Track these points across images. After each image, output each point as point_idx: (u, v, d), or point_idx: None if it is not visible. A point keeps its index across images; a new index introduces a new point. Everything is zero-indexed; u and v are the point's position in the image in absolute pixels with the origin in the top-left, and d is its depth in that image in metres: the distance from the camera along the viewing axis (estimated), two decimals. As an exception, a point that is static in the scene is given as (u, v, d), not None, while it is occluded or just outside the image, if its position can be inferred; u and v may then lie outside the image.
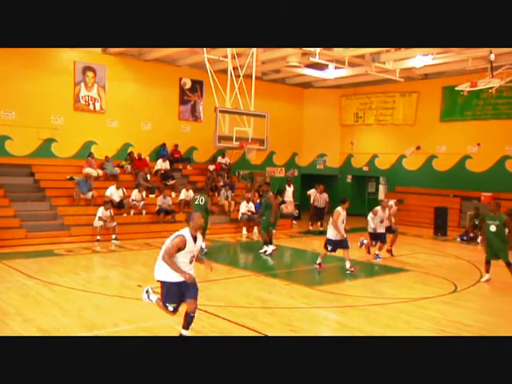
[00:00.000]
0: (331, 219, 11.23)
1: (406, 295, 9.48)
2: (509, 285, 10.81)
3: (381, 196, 22.99)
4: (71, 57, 16.99)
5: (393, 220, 13.13)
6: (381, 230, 12.53)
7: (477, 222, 17.21)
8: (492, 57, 14.47)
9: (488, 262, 10.63)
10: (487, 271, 10.62)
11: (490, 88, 15.48)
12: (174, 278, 5.85)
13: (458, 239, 16.96)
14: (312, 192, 19.44)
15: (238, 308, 8.26)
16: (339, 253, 13.79)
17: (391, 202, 13.63)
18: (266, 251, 13.19)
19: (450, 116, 20.23)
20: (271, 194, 13.54)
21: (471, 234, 17.13)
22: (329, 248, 11.29)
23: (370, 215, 12.65)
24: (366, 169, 23.44)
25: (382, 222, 12.49)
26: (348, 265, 11.11)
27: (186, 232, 5.87)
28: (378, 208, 12.61)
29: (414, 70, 18.88)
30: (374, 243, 12.72)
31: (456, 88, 17.03)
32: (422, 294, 9.52)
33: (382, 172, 22.86)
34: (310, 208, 19.59)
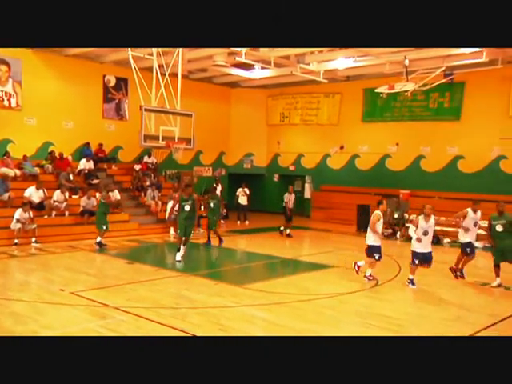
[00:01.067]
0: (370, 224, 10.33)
1: (331, 291, 9.70)
2: (428, 276, 11.32)
3: (306, 194, 23.37)
4: None
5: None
6: (425, 248, 9.96)
7: (396, 215, 17.89)
8: (406, 62, 15.22)
9: (497, 266, 10.10)
10: (498, 275, 10.12)
11: (406, 91, 16.26)
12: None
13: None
14: (239, 191, 19.61)
15: (165, 309, 8.19)
16: (267, 251, 13.98)
17: (468, 209, 11.24)
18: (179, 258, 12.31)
19: (370, 117, 20.96)
20: (196, 194, 13.42)
21: (390, 230, 17.80)
22: (376, 257, 10.27)
23: (411, 227, 10.11)
24: (292, 168, 23.81)
25: (425, 234, 9.83)
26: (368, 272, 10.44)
27: None
28: (420, 217, 9.93)
29: (336, 71, 19.43)
30: (414, 265, 10.07)
31: (376, 90, 17.76)
32: (346, 289, 9.80)
33: (308, 171, 23.30)
34: (238, 207, 19.83)
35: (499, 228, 10.13)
